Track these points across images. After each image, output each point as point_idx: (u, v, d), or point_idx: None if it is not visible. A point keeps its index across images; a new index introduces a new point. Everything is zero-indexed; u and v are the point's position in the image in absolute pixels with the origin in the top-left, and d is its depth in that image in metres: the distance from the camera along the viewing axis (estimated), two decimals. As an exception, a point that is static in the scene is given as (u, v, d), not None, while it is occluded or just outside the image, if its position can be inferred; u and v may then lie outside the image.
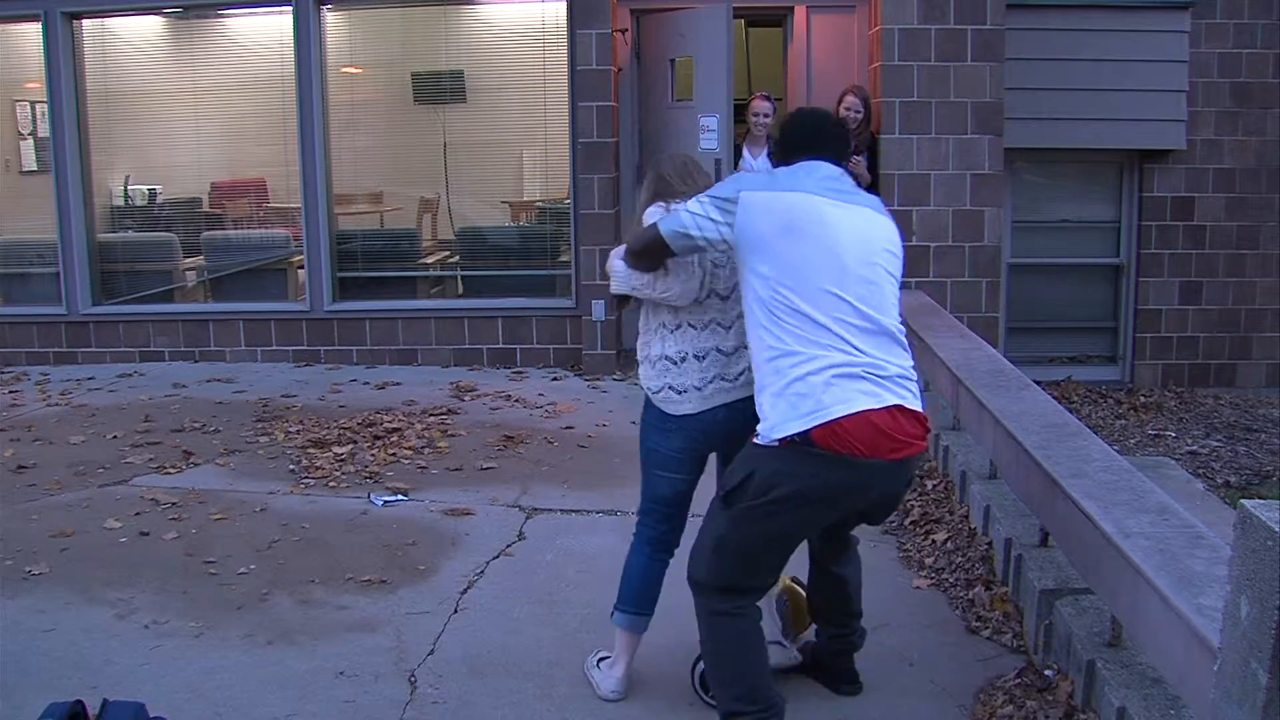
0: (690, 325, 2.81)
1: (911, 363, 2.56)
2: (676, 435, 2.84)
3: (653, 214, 2.79)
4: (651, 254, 2.69)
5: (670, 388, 2.81)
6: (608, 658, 3.07)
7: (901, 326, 2.57)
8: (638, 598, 2.97)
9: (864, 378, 2.42)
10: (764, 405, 2.50)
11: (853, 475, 2.43)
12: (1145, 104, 7.39)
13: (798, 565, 2.93)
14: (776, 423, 2.45)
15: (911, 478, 2.63)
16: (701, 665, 2.92)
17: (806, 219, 2.48)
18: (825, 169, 2.61)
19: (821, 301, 2.43)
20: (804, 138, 2.68)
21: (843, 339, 2.43)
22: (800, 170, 2.61)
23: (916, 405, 2.51)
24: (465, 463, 5.04)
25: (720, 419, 2.80)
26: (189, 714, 2.90)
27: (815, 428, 2.39)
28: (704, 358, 2.79)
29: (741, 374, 2.78)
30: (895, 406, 2.44)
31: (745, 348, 2.77)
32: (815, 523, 2.61)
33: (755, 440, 2.52)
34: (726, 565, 2.58)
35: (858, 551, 3.02)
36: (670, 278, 2.75)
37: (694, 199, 2.62)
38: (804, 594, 3.14)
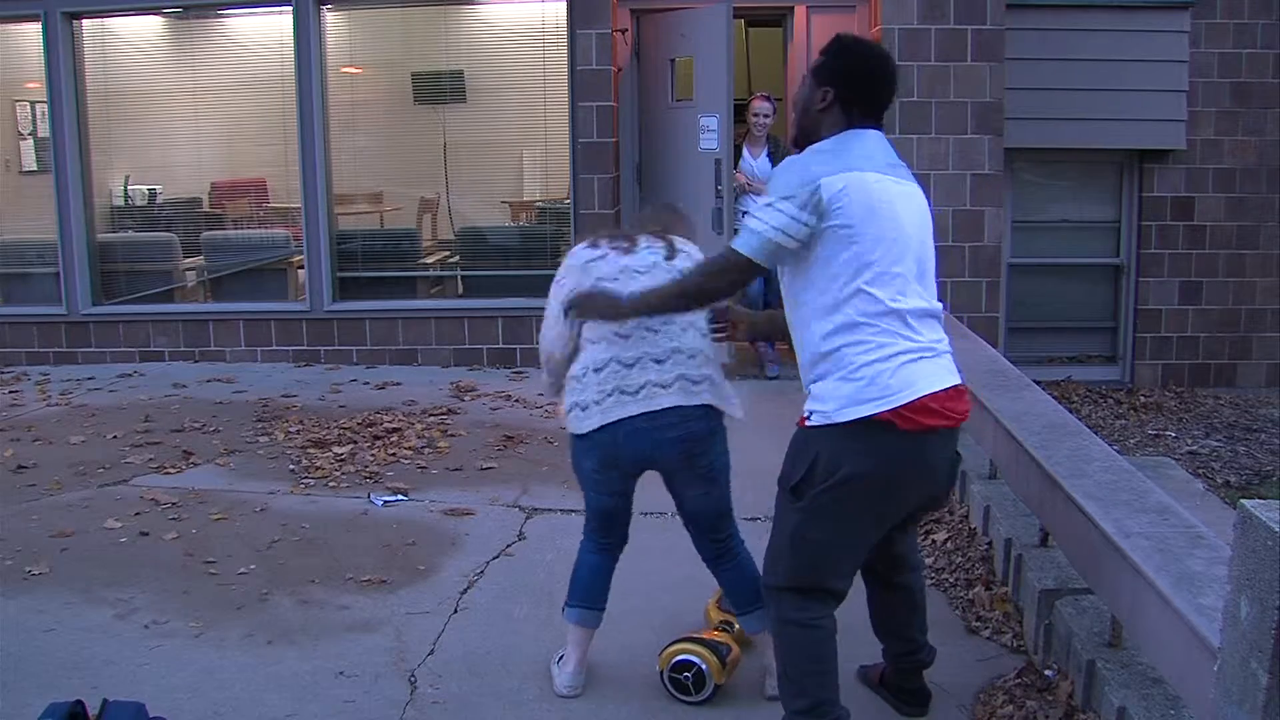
0: (589, 341, 2.82)
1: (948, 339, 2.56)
2: (590, 455, 2.83)
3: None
4: (736, 283, 2.57)
5: (576, 405, 2.80)
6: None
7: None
8: (588, 593, 2.98)
9: (925, 359, 2.41)
10: (824, 390, 2.43)
11: (914, 447, 2.40)
12: (1145, 104, 7.39)
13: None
14: (840, 406, 2.38)
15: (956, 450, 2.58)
16: (675, 659, 2.94)
17: (880, 201, 2.39)
18: (882, 143, 2.49)
19: (890, 284, 2.39)
20: (868, 86, 2.50)
21: (906, 322, 2.40)
22: (862, 144, 2.46)
23: (958, 375, 2.52)
24: (465, 463, 5.04)
25: (621, 439, 2.75)
26: (189, 714, 2.90)
27: (884, 412, 2.36)
28: (601, 369, 2.77)
29: (643, 388, 2.74)
30: (954, 387, 2.45)
31: (648, 358, 2.76)
32: (885, 505, 2.51)
33: (809, 424, 2.45)
34: (805, 562, 2.50)
35: (919, 558, 2.96)
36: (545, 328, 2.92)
37: (760, 208, 2.43)
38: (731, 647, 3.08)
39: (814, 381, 2.47)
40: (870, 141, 2.48)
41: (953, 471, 2.61)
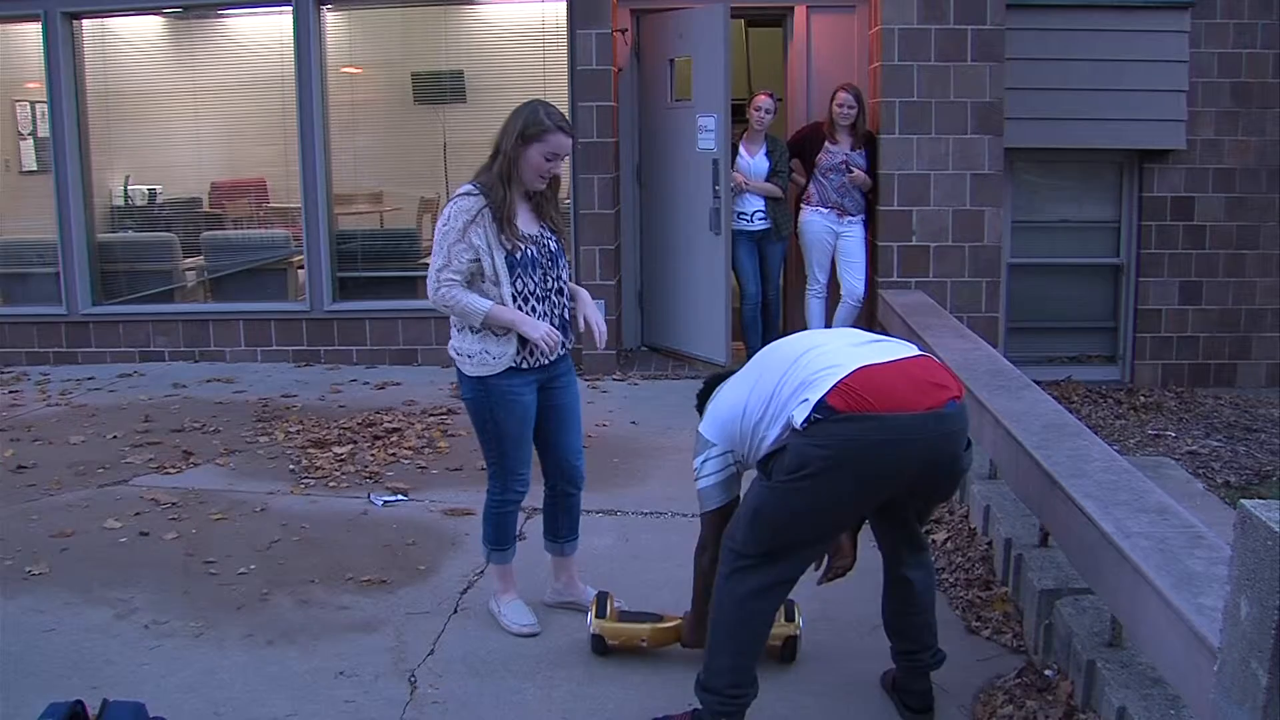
0: None
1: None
2: None
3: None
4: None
5: None
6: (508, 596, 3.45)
7: None
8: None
9: (854, 349, 2.55)
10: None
11: (881, 431, 2.39)
12: (1145, 104, 7.38)
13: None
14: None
15: (959, 436, 2.52)
16: None
17: None
18: None
19: None
20: None
21: None
22: None
23: (917, 352, 2.58)
24: (465, 463, 5.03)
25: None
26: (189, 714, 2.91)
27: (827, 393, 2.41)
28: None
29: None
30: (893, 361, 2.50)
31: None
32: (857, 496, 2.53)
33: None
34: (762, 534, 2.56)
35: (929, 558, 2.95)
36: None
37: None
38: None
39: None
40: None
41: (952, 461, 2.68)
